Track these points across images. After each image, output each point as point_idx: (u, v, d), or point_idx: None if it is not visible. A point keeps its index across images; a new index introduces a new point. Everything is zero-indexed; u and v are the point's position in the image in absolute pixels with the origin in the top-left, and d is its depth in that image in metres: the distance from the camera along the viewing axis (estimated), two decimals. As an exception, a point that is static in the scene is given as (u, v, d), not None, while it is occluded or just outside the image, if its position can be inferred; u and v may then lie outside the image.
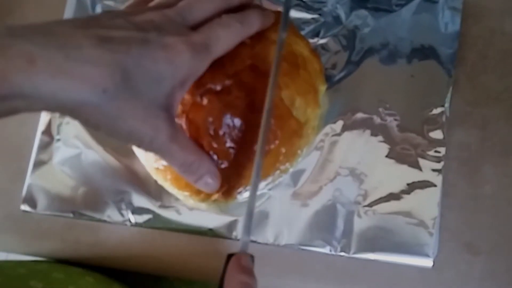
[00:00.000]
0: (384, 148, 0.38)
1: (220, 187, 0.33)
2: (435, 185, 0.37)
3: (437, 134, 0.38)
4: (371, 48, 0.40)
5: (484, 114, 0.39)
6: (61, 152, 0.42)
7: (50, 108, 0.24)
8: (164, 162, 0.33)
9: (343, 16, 0.41)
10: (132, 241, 0.40)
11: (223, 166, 0.33)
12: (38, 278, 0.37)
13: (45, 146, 0.42)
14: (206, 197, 0.34)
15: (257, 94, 0.32)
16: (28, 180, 0.42)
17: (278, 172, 0.35)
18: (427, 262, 0.36)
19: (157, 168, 0.34)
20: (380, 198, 0.37)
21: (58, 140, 0.42)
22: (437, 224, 0.37)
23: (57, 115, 0.42)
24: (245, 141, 0.32)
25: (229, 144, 0.32)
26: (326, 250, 0.37)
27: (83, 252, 0.41)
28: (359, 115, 0.39)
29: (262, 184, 0.35)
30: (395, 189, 0.37)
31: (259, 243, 0.38)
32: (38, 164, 0.42)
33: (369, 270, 0.37)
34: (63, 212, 0.41)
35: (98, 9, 0.45)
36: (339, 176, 0.38)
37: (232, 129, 0.32)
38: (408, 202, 0.37)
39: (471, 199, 0.38)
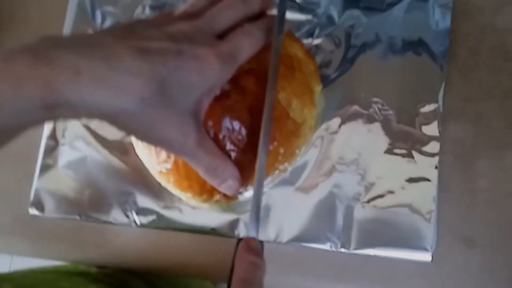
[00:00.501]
0: (381, 144, 0.39)
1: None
2: (431, 180, 0.38)
3: (431, 130, 0.39)
4: (365, 46, 0.41)
5: (477, 109, 0.40)
6: (66, 156, 0.43)
7: (92, 116, 0.25)
8: (167, 165, 0.34)
9: (336, 16, 0.42)
10: (138, 241, 0.42)
11: None
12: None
13: (51, 150, 0.43)
14: (208, 198, 0.35)
15: (255, 97, 0.33)
16: (35, 184, 0.43)
17: (277, 172, 0.36)
18: (426, 257, 0.37)
19: (160, 171, 0.35)
20: (378, 194, 0.38)
21: (63, 144, 0.43)
22: (434, 218, 0.37)
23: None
24: (245, 144, 0.33)
25: (229, 146, 0.33)
26: (327, 246, 0.38)
27: (90, 253, 0.42)
28: (355, 112, 0.40)
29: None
30: (392, 184, 0.38)
31: (260, 241, 0.39)
32: (45, 168, 0.43)
33: (369, 266, 0.38)
34: (70, 215, 0.42)
35: (98, 15, 0.45)
36: (336, 172, 0.39)
37: (232, 132, 0.32)
38: (405, 197, 0.38)
39: (467, 193, 0.38)
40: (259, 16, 0.34)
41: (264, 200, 0.39)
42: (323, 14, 0.42)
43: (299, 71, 0.36)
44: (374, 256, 0.38)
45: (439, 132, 0.39)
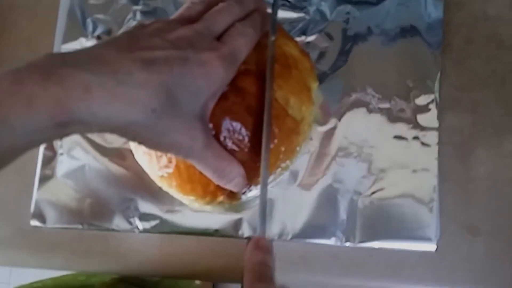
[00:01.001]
0: (379, 136, 0.39)
1: (224, 189, 0.34)
2: (431, 170, 0.38)
3: (429, 120, 0.39)
4: (358, 40, 0.41)
5: (474, 98, 0.40)
6: (65, 166, 0.43)
7: (103, 130, 0.25)
8: (168, 170, 0.34)
9: (328, 12, 0.42)
10: (141, 247, 0.41)
11: None
12: None
13: (49, 160, 0.43)
14: (212, 199, 0.35)
15: (253, 97, 0.33)
16: (35, 195, 0.42)
17: (279, 170, 0.36)
18: (431, 247, 0.37)
19: (162, 176, 0.35)
20: (380, 186, 0.38)
21: (61, 154, 0.43)
22: (437, 208, 0.38)
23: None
24: (246, 143, 0.33)
25: (230, 147, 0.33)
26: (332, 241, 0.38)
27: (94, 261, 0.42)
28: (352, 106, 0.40)
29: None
30: (393, 175, 0.38)
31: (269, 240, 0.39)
32: (44, 179, 0.43)
33: (375, 259, 0.38)
34: (72, 224, 0.42)
35: (89, 23, 0.45)
36: (337, 167, 0.39)
37: (232, 133, 0.32)
38: (406, 188, 0.38)
39: (468, 182, 0.39)
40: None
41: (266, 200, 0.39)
42: (315, 11, 0.42)
43: (295, 69, 0.36)
44: (379, 249, 0.38)
45: (438, 120, 0.39)
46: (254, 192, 0.37)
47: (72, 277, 0.54)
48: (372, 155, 0.39)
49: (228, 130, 0.32)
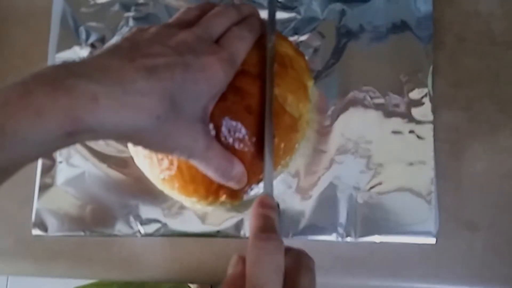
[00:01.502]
0: (376, 131, 0.40)
1: (226, 189, 0.35)
2: (428, 162, 0.39)
3: (423, 113, 0.39)
4: (350, 38, 0.42)
5: (468, 95, 0.40)
6: (64, 174, 0.43)
7: (110, 137, 0.26)
8: (170, 172, 0.35)
9: (319, 11, 0.43)
10: (143, 252, 0.42)
11: None
12: None
13: (48, 169, 0.43)
14: (214, 200, 0.36)
15: (252, 97, 0.33)
16: (36, 204, 0.43)
17: (280, 167, 0.37)
18: (430, 240, 0.38)
19: (163, 179, 0.35)
20: (378, 180, 0.39)
21: (60, 162, 0.43)
22: (435, 200, 0.38)
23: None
24: (246, 142, 0.33)
25: (230, 146, 0.33)
26: (333, 237, 0.39)
27: (97, 268, 0.42)
28: (347, 103, 0.40)
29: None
30: (391, 170, 0.39)
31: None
32: (44, 187, 0.43)
33: (376, 255, 0.39)
34: (74, 232, 0.42)
35: (82, 31, 0.46)
36: (336, 164, 0.40)
37: (232, 132, 0.33)
38: (404, 182, 0.39)
39: (465, 179, 0.39)
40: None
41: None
42: (306, 10, 0.43)
43: (291, 68, 0.36)
44: (380, 245, 0.38)
45: (433, 114, 0.39)
46: (255, 191, 0.37)
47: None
48: (369, 150, 0.39)
49: (228, 129, 0.33)
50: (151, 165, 0.36)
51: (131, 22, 0.46)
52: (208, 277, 0.42)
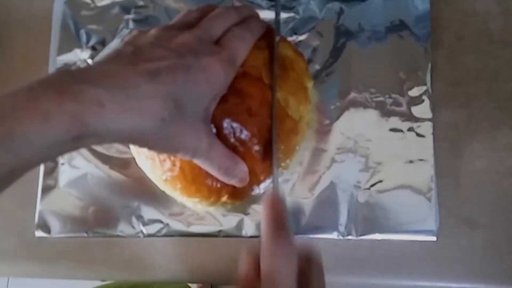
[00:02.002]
0: (375, 130, 0.40)
1: (228, 189, 0.35)
2: (428, 160, 0.39)
3: (422, 111, 0.40)
4: (349, 37, 0.42)
5: (467, 93, 0.40)
6: (67, 175, 0.43)
7: (115, 141, 0.26)
8: (172, 173, 0.35)
9: (317, 11, 0.43)
10: (145, 252, 0.42)
11: None
12: None
13: (51, 171, 0.44)
14: (216, 200, 0.36)
15: (252, 98, 0.34)
16: (38, 206, 0.43)
17: (280, 169, 0.37)
18: (431, 238, 0.38)
19: (166, 179, 0.36)
20: (378, 178, 0.39)
21: (63, 164, 0.43)
22: (435, 197, 0.38)
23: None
24: (247, 143, 0.34)
25: (232, 146, 0.33)
26: (334, 236, 0.39)
27: (100, 269, 0.43)
28: (347, 102, 0.41)
29: (267, 182, 0.37)
30: (391, 168, 0.39)
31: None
32: (46, 189, 0.43)
33: (377, 254, 0.39)
34: (77, 233, 0.42)
35: (83, 34, 0.46)
36: (336, 163, 0.40)
37: (233, 133, 0.33)
38: (404, 179, 0.39)
39: (465, 176, 0.39)
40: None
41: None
42: (304, 10, 0.43)
43: (291, 69, 0.37)
44: (381, 243, 0.38)
45: (432, 112, 0.39)
46: (257, 192, 0.37)
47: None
48: (369, 148, 0.40)
49: (229, 130, 0.33)
50: (153, 166, 0.36)
51: (131, 25, 0.46)
52: (210, 277, 0.42)
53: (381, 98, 0.40)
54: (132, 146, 0.39)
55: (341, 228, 0.39)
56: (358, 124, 0.40)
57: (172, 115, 0.27)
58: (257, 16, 0.37)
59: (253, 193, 0.37)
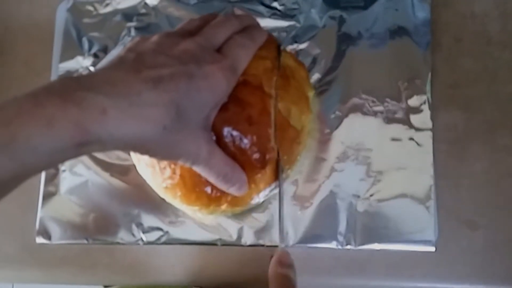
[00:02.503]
0: (375, 139, 0.40)
1: (228, 197, 0.35)
2: (428, 169, 0.39)
3: (423, 120, 0.40)
4: (349, 45, 0.42)
5: (466, 95, 0.41)
6: (68, 182, 0.43)
7: (118, 147, 0.26)
8: (172, 181, 0.35)
9: (317, 19, 0.43)
10: (147, 258, 0.42)
11: None
12: None
13: (52, 177, 0.44)
14: (215, 208, 0.36)
15: (252, 107, 0.34)
16: (39, 213, 0.43)
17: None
18: (430, 248, 0.38)
19: (166, 187, 0.36)
20: (378, 188, 0.39)
21: (64, 170, 0.44)
22: (434, 207, 0.38)
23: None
24: (247, 152, 0.34)
25: (232, 154, 0.34)
26: (333, 245, 0.39)
27: (102, 274, 0.43)
28: (347, 111, 0.41)
29: (266, 191, 0.37)
30: (390, 177, 0.39)
31: (267, 246, 0.40)
32: (47, 196, 0.43)
33: (377, 258, 0.39)
34: (77, 240, 0.42)
35: (85, 41, 0.46)
36: (335, 172, 0.40)
37: (233, 141, 0.33)
38: (404, 189, 0.39)
39: (465, 178, 0.39)
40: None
41: (267, 208, 0.40)
42: (305, 19, 0.43)
43: (293, 79, 0.37)
44: (380, 250, 0.38)
45: (432, 121, 0.39)
46: (256, 200, 0.37)
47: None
48: (369, 157, 0.40)
49: (229, 138, 0.33)
50: (153, 173, 0.36)
51: (133, 32, 0.46)
52: (210, 282, 0.42)
53: (381, 107, 0.40)
54: (132, 153, 0.39)
55: (340, 238, 0.39)
56: (358, 133, 0.40)
57: (174, 122, 0.27)
58: (258, 25, 0.37)
59: (253, 201, 0.37)
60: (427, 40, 0.41)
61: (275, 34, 0.42)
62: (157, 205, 0.41)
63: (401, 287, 0.39)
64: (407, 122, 0.40)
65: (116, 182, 0.43)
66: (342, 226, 0.39)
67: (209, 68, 0.29)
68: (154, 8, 0.46)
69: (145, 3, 0.46)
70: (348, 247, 0.38)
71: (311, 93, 0.39)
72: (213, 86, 0.30)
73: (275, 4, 0.44)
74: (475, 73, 0.41)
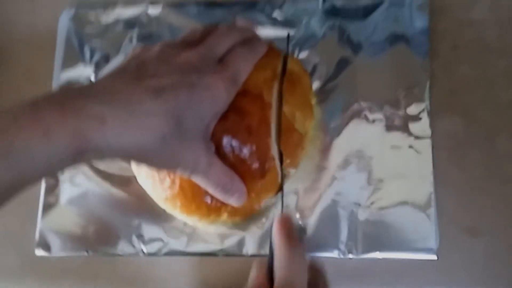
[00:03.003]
0: (375, 147, 0.40)
1: (227, 206, 0.35)
2: (427, 177, 0.38)
3: (422, 127, 0.39)
4: (349, 54, 0.42)
5: (465, 102, 0.41)
6: (68, 193, 0.43)
7: (117, 156, 0.26)
8: (172, 191, 0.35)
9: (317, 28, 0.43)
10: (148, 269, 0.42)
11: None
12: None
13: (52, 188, 0.43)
14: (216, 218, 0.36)
15: (252, 116, 0.34)
16: (39, 224, 0.43)
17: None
18: (431, 256, 0.37)
19: (166, 198, 0.36)
20: (379, 195, 0.39)
21: (64, 181, 0.43)
22: (434, 215, 0.38)
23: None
24: (247, 161, 0.34)
25: (231, 164, 0.34)
26: (334, 254, 0.38)
27: (103, 285, 0.43)
28: (347, 119, 0.41)
29: (266, 199, 0.37)
30: (391, 185, 0.39)
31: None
32: (47, 207, 0.43)
33: (379, 267, 0.39)
34: (77, 252, 0.42)
35: (87, 50, 0.46)
36: (336, 180, 0.40)
37: (233, 151, 0.33)
38: (404, 197, 0.38)
39: (465, 184, 0.39)
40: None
41: (268, 217, 0.40)
42: (305, 28, 0.43)
43: (299, 84, 0.37)
44: (382, 259, 0.38)
45: (430, 128, 0.39)
46: (257, 209, 0.37)
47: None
48: (370, 166, 0.39)
49: (229, 148, 0.33)
50: (153, 184, 0.36)
51: (134, 41, 0.46)
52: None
53: (381, 115, 0.40)
54: (133, 164, 0.39)
55: (342, 247, 0.38)
56: (359, 141, 0.40)
57: (173, 132, 0.27)
58: (258, 36, 0.37)
59: (253, 210, 0.37)
60: (425, 49, 0.41)
61: (275, 43, 0.42)
62: (157, 216, 0.41)
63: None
64: (406, 130, 0.40)
65: (116, 192, 0.43)
66: (344, 235, 0.39)
67: (210, 78, 0.29)
68: (156, 17, 0.46)
69: (147, 13, 0.47)
70: (350, 256, 0.38)
71: (314, 100, 0.39)
72: (213, 96, 0.30)
73: (275, 14, 0.44)
74: (473, 80, 0.41)
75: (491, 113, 0.40)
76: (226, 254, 0.40)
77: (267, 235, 0.39)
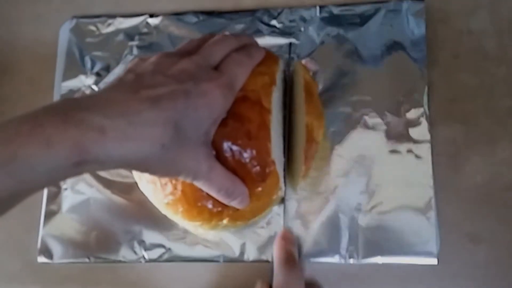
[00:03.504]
0: (375, 152, 0.40)
1: (228, 211, 0.35)
2: (427, 181, 0.39)
3: (421, 133, 0.40)
4: (347, 61, 0.43)
5: (464, 109, 0.41)
6: (69, 200, 0.43)
7: (117, 166, 0.27)
8: (173, 197, 0.35)
9: (315, 36, 0.44)
10: (149, 275, 0.42)
11: None
12: None
13: (54, 196, 0.44)
14: (217, 223, 0.36)
15: (251, 122, 0.34)
16: (41, 231, 0.43)
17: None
18: (432, 261, 0.38)
19: (167, 203, 0.36)
20: (379, 200, 0.39)
21: (66, 189, 0.44)
22: (435, 219, 0.38)
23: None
24: (247, 166, 0.34)
25: (232, 169, 0.34)
26: (336, 259, 0.39)
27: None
28: (347, 126, 0.41)
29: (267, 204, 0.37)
30: (391, 190, 0.39)
31: (271, 261, 0.39)
32: (49, 214, 0.43)
33: (381, 273, 0.39)
34: (79, 258, 0.42)
35: (87, 60, 0.47)
36: (336, 186, 0.40)
37: (233, 156, 0.34)
38: (404, 201, 0.39)
39: (466, 191, 0.39)
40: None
41: (270, 223, 0.40)
42: (303, 36, 0.44)
43: (313, 93, 0.38)
44: (383, 263, 0.38)
45: (430, 133, 0.40)
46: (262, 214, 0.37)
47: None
48: (370, 171, 0.40)
49: (229, 153, 0.33)
50: (155, 190, 0.36)
51: (135, 51, 0.47)
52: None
53: (380, 121, 0.41)
54: (134, 171, 0.39)
55: (343, 252, 0.39)
56: (359, 147, 0.40)
57: (173, 140, 0.28)
58: (255, 42, 0.38)
59: (254, 214, 0.37)
60: (423, 55, 0.41)
61: (274, 51, 0.42)
62: (159, 222, 0.41)
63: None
64: (406, 135, 0.40)
65: (117, 199, 0.43)
66: (345, 240, 0.39)
67: (206, 85, 0.30)
68: (156, 27, 0.47)
69: (147, 23, 0.47)
70: (351, 261, 0.38)
71: (323, 109, 0.40)
72: (210, 103, 0.30)
73: (273, 22, 0.45)
74: (473, 88, 0.41)
75: (491, 121, 0.41)
76: (228, 260, 0.40)
77: (268, 241, 0.40)
